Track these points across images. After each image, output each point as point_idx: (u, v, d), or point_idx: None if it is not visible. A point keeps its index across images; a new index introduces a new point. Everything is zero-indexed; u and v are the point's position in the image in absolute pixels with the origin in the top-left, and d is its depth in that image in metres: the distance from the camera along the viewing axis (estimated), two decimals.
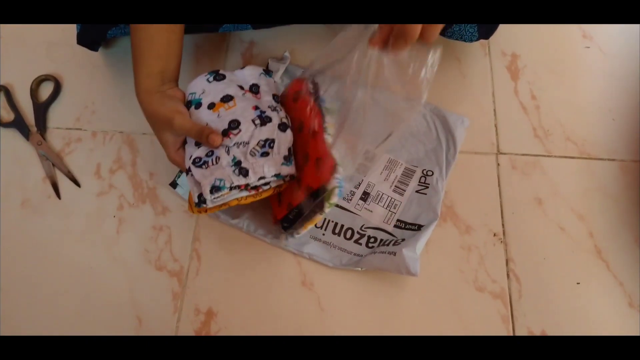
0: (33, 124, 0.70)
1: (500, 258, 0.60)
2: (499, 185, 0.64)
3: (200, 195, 0.52)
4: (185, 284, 0.61)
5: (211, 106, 0.55)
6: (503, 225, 0.62)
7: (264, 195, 0.54)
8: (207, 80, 0.57)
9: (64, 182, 0.67)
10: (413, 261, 0.55)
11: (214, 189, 0.51)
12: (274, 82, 0.61)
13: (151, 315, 0.60)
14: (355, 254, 0.60)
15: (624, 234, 0.61)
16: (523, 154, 0.65)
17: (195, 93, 0.56)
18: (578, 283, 0.59)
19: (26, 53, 0.75)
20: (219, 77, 0.57)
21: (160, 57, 0.55)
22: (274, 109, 0.56)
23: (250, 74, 0.59)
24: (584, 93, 0.69)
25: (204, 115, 0.55)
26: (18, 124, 0.69)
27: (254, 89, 0.57)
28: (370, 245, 0.61)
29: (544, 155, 0.65)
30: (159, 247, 0.63)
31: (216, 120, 0.54)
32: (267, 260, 0.61)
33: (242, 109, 0.54)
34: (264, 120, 0.54)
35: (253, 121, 0.53)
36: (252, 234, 0.62)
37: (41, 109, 0.70)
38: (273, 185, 0.53)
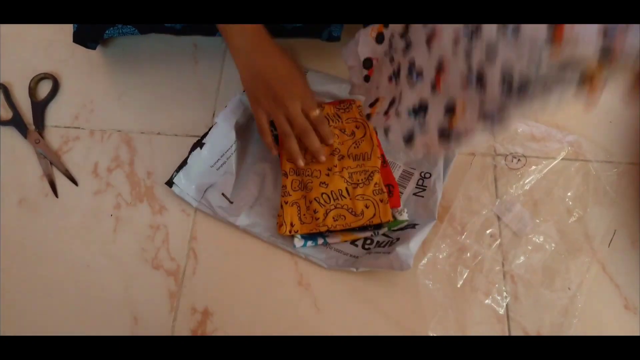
0: (31, 122, 0.70)
1: (498, 260, 0.60)
2: (495, 186, 0.64)
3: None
4: (181, 283, 0.61)
5: None
6: (498, 225, 0.62)
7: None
8: None
9: (61, 181, 0.67)
10: (406, 257, 0.55)
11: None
12: None
13: (147, 314, 0.60)
14: (351, 255, 0.60)
15: (620, 236, 0.61)
16: (519, 156, 0.65)
17: None
18: (569, 288, 0.59)
19: (25, 51, 0.75)
20: None
21: None
22: None
23: None
24: None
25: None
26: (16, 122, 0.69)
27: None
28: (366, 247, 0.61)
29: (541, 157, 0.65)
30: (155, 246, 0.63)
31: None
32: (264, 260, 0.61)
33: None
34: None
35: None
36: (249, 231, 0.62)
37: (39, 107, 0.70)
38: None
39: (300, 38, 0.68)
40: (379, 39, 0.50)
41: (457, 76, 0.39)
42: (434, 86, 0.42)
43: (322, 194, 0.60)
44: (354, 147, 0.62)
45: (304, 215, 0.60)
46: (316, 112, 0.58)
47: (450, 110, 0.40)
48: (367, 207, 0.59)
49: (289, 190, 0.61)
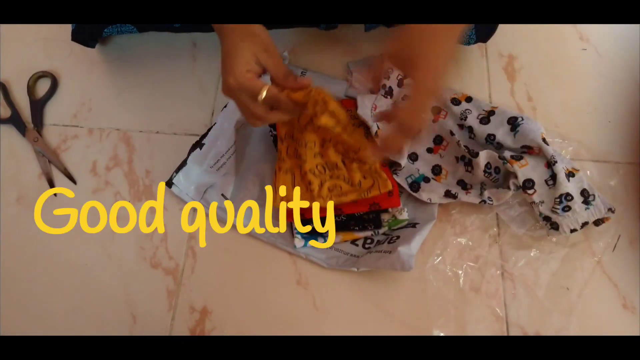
0: (30, 121, 0.70)
1: (497, 261, 0.60)
2: None
3: None
4: (180, 281, 0.61)
5: None
6: (498, 226, 0.62)
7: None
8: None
9: (60, 179, 0.67)
10: (408, 257, 0.55)
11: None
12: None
13: (146, 313, 0.60)
14: (352, 255, 0.60)
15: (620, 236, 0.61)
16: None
17: None
18: (567, 288, 0.59)
19: (23, 49, 0.74)
20: None
21: None
22: None
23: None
24: (580, 95, 0.69)
25: None
26: (15, 120, 0.69)
27: None
28: (366, 246, 0.61)
29: None
30: (154, 244, 0.63)
31: None
32: (263, 259, 0.61)
33: None
34: None
35: None
36: (251, 233, 0.62)
37: (38, 106, 0.70)
38: None
39: (298, 27, 0.67)
40: None
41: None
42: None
43: (317, 165, 0.59)
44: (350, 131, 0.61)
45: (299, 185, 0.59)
46: (262, 96, 0.50)
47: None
48: (364, 177, 0.58)
49: (283, 156, 0.60)
